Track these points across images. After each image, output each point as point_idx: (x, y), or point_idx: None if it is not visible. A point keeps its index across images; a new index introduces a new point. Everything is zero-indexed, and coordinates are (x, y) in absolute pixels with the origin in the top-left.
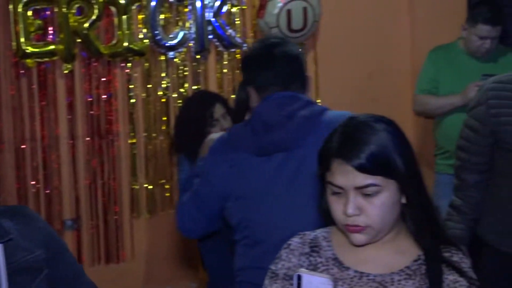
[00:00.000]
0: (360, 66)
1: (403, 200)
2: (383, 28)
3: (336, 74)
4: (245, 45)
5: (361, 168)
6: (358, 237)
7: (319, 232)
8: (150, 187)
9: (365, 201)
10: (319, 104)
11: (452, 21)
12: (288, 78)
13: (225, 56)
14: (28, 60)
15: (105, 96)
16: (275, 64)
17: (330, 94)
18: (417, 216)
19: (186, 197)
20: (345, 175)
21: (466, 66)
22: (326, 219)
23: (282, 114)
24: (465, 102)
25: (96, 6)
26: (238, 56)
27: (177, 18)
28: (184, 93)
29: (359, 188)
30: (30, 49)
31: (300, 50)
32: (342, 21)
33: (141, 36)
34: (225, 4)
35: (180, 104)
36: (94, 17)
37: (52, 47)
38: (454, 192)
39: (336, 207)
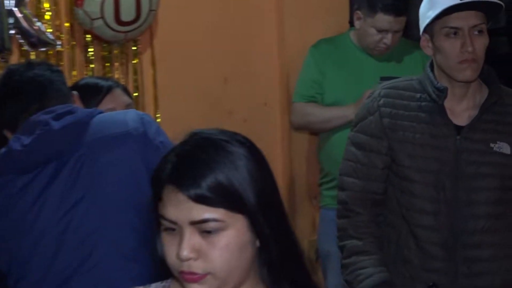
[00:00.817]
0: (213, 69)
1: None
2: (243, 20)
3: (181, 79)
4: (58, 42)
5: (198, 199)
6: None
7: (156, 286)
8: None
9: (204, 241)
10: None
11: (333, 10)
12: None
13: (33, 57)
14: None
15: None
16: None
17: (173, 106)
18: (272, 262)
19: None
20: (179, 207)
21: (361, 65)
22: (162, 266)
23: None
24: None
25: None
26: (50, 56)
27: None
28: None
29: (196, 224)
30: None
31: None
32: (188, 11)
33: None
34: None
35: None
36: None
37: None
38: (345, 235)
39: (169, 248)
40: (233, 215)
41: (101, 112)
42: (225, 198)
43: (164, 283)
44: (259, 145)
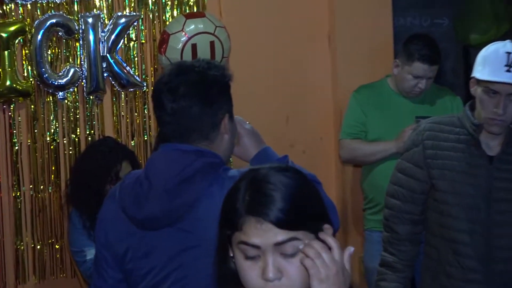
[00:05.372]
0: (276, 108)
1: None
2: (301, 66)
3: (249, 117)
4: (144, 84)
5: (280, 223)
6: None
7: None
8: (38, 247)
9: (285, 260)
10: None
11: (378, 57)
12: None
13: (123, 96)
14: None
15: None
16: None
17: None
18: None
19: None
20: (262, 233)
21: (398, 107)
22: None
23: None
24: (400, 149)
25: None
26: (137, 96)
27: (67, 54)
28: (76, 139)
29: (278, 245)
30: None
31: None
32: (255, 58)
33: (25, 74)
34: (122, 38)
35: (71, 151)
36: None
37: None
38: (384, 247)
39: (251, 273)
40: (308, 235)
41: None
42: (301, 219)
43: None
44: (316, 174)
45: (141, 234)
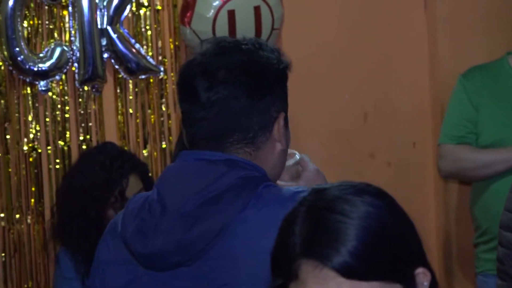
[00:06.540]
0: (349, 102)
1: None
2: (385, 41)
3: (311, 114)
4: (161, 68)
5: (347, 271)
6: None
7: None
8: None
9: None
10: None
11: (496, 27)
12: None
13: (130, 86)
14: None
15: None
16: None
17: (302, 147)
18: None
19: None
20: (324, 285)
21: None
22: None
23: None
24: None
25: None
26: (151, 86)
27: (51, 27)
28: (65, 147)
29: None
30: None
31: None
32: (318, 31)
33: None
34: (128, 3)
35: (58, 165)
36: None
37: None
38: None
39: None
40: (389, 286)
41: None
42: (379, 266)
43: None
44: (406, 194)
45: (148, 278)
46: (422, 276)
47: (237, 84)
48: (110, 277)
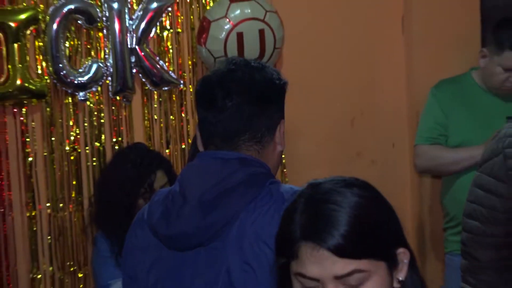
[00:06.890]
0: (338, 109)
1: (395, 285)
2: (368, 56)
3: (306, 120)
4: (181, 81)
5: (340, 251)
6: None
7: None
8: (58, 276)
9: None
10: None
11: (462, 46)
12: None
13: (155, 96)
14: None
15: None
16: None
17: (298, 147)
18: None
19: None
20: (320, 263)
21: (486, 106)
22: None
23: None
24: None
25: None
26: (172, 96)
27: (88, 46)
28: (100, 148)
29: (340, 278)
30: None
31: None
32: (312, 49)
33: (39, 71)
34: (153, 26)
35: (95, 162)
36: None
37: None
38: (462, 276)
39: None
40: (376, 263)
41: None
42: (365, 246)
43: None
44: (388, 187)
45: (169, 258)
46: (402, 254)
47: (248, 93)
48: (138, 260)
